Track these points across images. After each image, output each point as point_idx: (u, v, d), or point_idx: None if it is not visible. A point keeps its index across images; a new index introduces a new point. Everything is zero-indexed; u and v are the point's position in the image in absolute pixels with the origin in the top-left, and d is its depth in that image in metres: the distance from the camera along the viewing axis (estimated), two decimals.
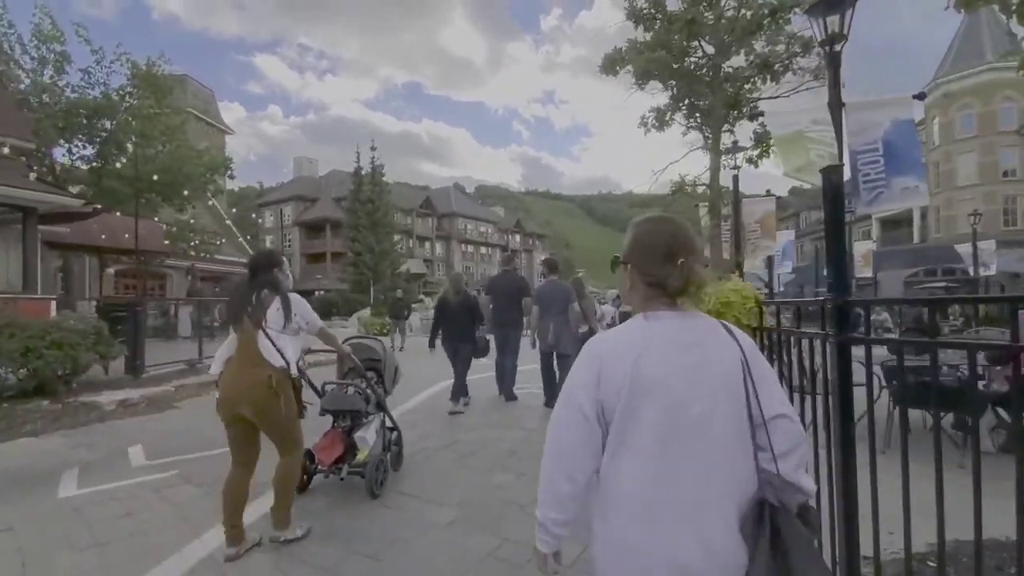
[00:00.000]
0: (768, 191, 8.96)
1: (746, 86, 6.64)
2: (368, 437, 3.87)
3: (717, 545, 1.16)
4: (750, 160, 6.80)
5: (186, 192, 17.19)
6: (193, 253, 19.83)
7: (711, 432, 1.19)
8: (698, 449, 1.19)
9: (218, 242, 23.01)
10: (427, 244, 58.60)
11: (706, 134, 6.86)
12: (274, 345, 2.98)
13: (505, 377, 7.09)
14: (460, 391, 6.62)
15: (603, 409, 1.23)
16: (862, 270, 15.34)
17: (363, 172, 27.50)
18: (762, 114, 6.74)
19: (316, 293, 32.29)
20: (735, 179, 8.10)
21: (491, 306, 6.92)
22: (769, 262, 10.63)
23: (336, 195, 46.74)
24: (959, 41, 32.56)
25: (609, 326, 7.30)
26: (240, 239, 31.91)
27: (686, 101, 6.85)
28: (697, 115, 6.82)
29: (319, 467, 3.78)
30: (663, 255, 1.28)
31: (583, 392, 1.24)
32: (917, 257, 28.15)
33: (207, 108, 34.49)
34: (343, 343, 4.04)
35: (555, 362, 6.58)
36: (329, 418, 3.98)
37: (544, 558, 1.30)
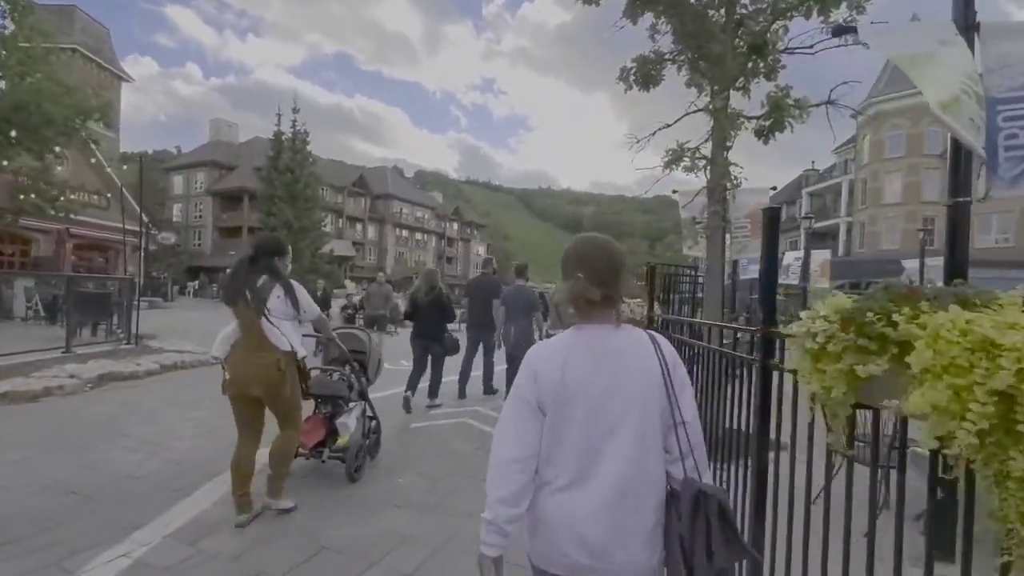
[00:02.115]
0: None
1: (775, 25, 4.94)
2: (349, 423, 3.94)
3: (628, 529, 1.34)
4: (760, 133, 5.16)
5: (50, 136, 13.90)
6: (53, 212, 16.26)
7: (623, 433, 1.36)
8: (612, 446, 1.36)
9: (94, 199, 19.27)
10: (358, 226, 55.03)
11: (713, 89, 5.16)
12: (278, 330, 3.15)
13: (475, 375, 7.14)
14: (436, 388, 6.58)
15: (540, 407, 1.40)
16: (818, 280, 14.87)
17: (284, 137, 24.31)
18: (784, 68, 5.11)
19: (228, 271, 28.58)
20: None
21: (468, 307, 7.15)
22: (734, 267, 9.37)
23: (258, 164, 42.28)
24: (891, 63, 33.71)
25: None
26: (134, 203, 27.68)
27: (688, 47, 5.05)
28: (701, 64, 5.07)
29: (300, 450, 3.77)
30: (600, 272, 1.43)
31: (526, 390, 1.42)
32: (858, 269, 28.73)
33: (99, 48, 29.65)
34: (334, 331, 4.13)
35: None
36: (309, 404, 3.93)
37: (489, 564, 1.37)
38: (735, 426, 2.45)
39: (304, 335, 3.58)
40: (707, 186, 5.33)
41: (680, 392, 1.40)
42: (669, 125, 5.62)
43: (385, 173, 62.26)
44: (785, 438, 1.88)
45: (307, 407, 3.89)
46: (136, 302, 9.88)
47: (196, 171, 48.91)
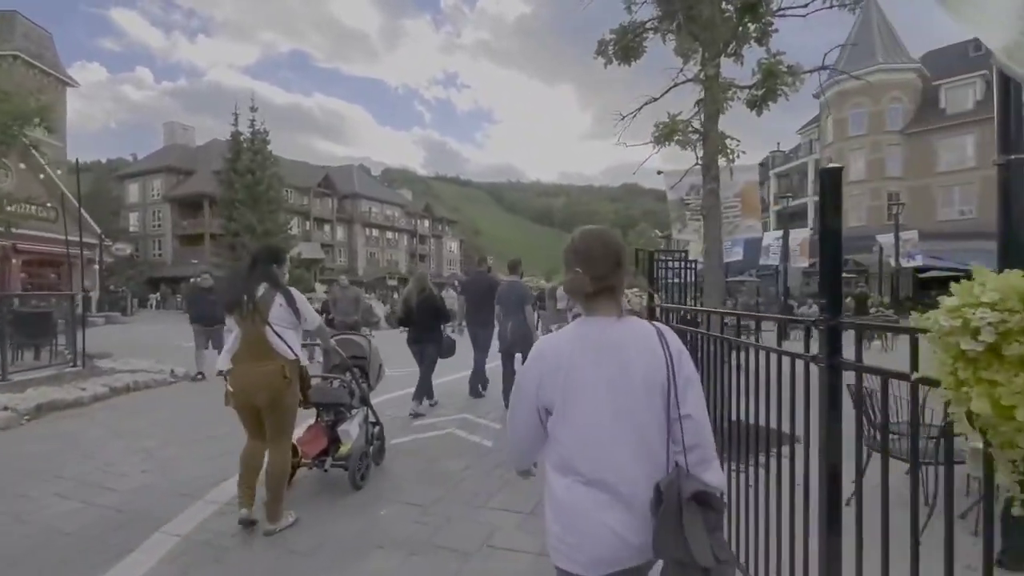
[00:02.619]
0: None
1: None
2: (351, 431, 3.91)
3: (637, 518, 1.35)
4: (753, 103, 4.77)
5: None
6: None
7: (629, 423, 1.37)
8: (622, 436, 1.37)
9: (41, 211, 17.97)
10: (327, 227, 53.58)
11: (704, 56, 4.74)
12: (281, 339, 3.14)
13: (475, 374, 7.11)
14: (424, 391, 6.37)
15: (545, 399, 1.44)
16: (797, 259, 14.76)
17: (242, 138, 23.09)
18: (776, 32, 4.73)
19: (191, 280, 27.33)
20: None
21: (466, 306, 7.14)
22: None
23: (217, 168, 40.52)
24: (852, 41, 34.16)
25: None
26: (85, 213, 26.14)
27: (677, 10, 4.62)
28: (692, 28, 4.64)
29: (303, 459, 3.74)
30: (598, 265, 1.43)
31: (530, 385, 1.46)
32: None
33: (42, 53, 27.83)
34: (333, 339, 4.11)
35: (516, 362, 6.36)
36: (311, 412, 3.98)
37: (523, 473, 1.67)
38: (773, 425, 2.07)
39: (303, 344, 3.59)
40: (701, 162, 4.91)
41: (685, 385, 1.40)
42: (656, 99, 5.20)
43: (351, 172, 60.68)
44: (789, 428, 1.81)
45: (308, 415, 3.96)
46: (83, 319, 9.03)
47: (152, 178, 46.81)
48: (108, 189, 50.09)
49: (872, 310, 15.87)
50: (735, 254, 15.66)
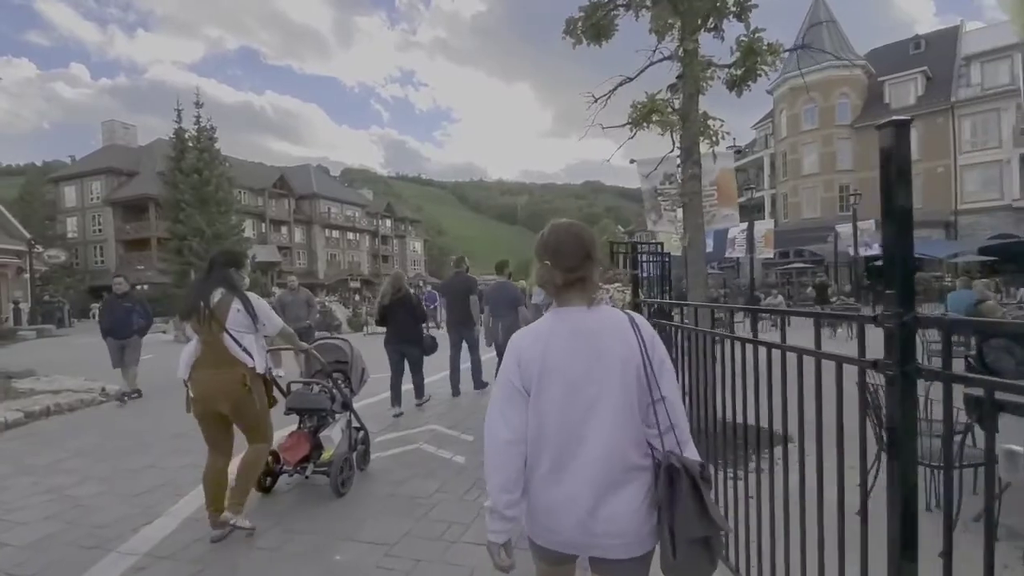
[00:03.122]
0: (733, 144, 7.00)
1: None
2: (333, 436, 3.87)
3: (614, 503, 1.38)
4: (733, 83, 4.45)
5: None
6: None
7: (604, 410, 1.39)
8: (594, 424, 1.39)
9: None
10: (284, 229, 51.66)
11: (682, 31, 4.38)
12: (239, 345, 3.08)
13: (468, 373, 7.12)
14: (418, 391, 6.45)
15: (524, 388, 1.44)
16: (762, 250, 14.83)
17: (187, 135, 21.67)
18: (755, 6, 4.41)
19: (137, 287, 25.62)
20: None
21: (446, 306, 7.15)
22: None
23: (161, 168, 38.46)
24: (803, 39, 35.08)
25: None
26: (12, 220, 24.14)
27: None
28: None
29: (284, 467, 3.74)
30: (567, 257, 1.45)
31: (512, 375, 1.45)
32: (795, 238, 29.63)
33: None
34: (311, 345, 4.18)
35: None
36: (295, 418, 3.99)
37: (497, 550, 1.43)
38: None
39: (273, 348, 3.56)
40: (680, 147, 4.56)
41: (659, 369, 1.43)
42: (631, 79, 4.81)
43: (308, 172, 58.71)
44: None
45: (283, 421, 3.89)
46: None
47: (91, 180, 43.94)
48: (42, 193, 46.94)
49: (833, 299, 16.12)
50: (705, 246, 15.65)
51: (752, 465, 2.30)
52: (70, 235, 43.20)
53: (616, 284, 3.99)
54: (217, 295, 3.11)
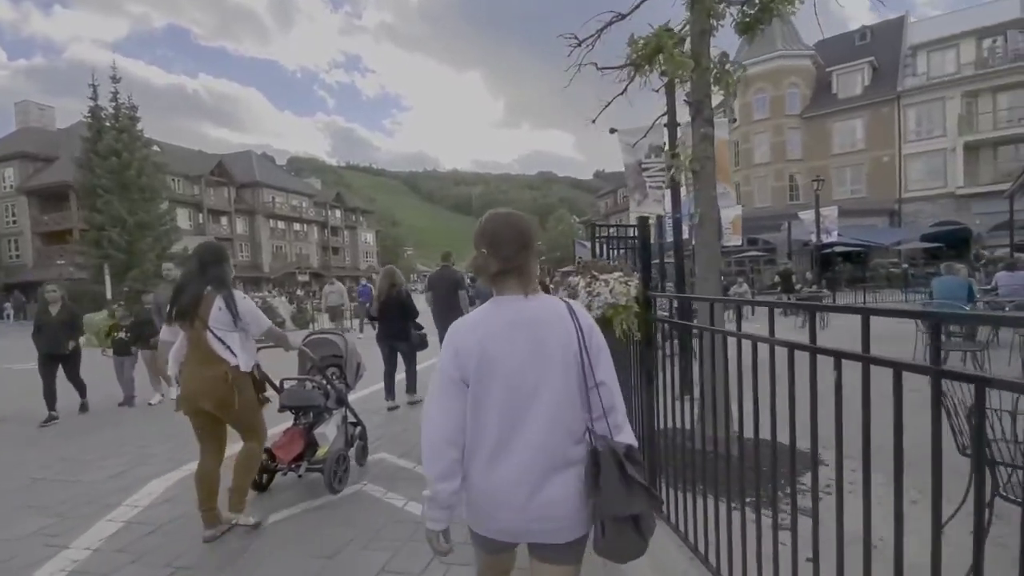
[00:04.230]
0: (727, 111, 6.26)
1: None
2: (328, 433, 3.87)
3: (552, 490, 1.40)
4: (745, 25, 3.62)
5: None
6: None
7: (543, 397, 1.41)
8: (533, 411, 1.41)
9: None
10: (224, 219, 48.50)
11: None
12: (222, 343, 3.08)
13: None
14: (411, 386, 6.53)
15: (462, 378, 1.42)
16: (730, 238, 14.47)
17: (103, 113, 19.29)
18: None
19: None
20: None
21: (433, 303, 7.11)
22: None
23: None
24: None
25: None
26: None
27: None
28: None
29: (279, 465, 3.73)
30: (506, 245, 1.45)
31: (449, 366, 1.44)
32: (755, 225, 29.69)
33: None
34: (304, 340, 4.11)
35: None
36: (289, 416, 3.99)
37: (436, 536, 1.46)
38: None
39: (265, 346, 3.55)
40: (689, 99, 3.69)
41: (596, 355, 1.46)
42: (624, 16, 3.90)
43: (249, 159, 55.33)
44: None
45: (276, 419, 3.92)
46: None
47: (2, 167, 39.72)
48: None
49: (798, 287, 15.95)
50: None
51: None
52: None
53: (616, 274, 3.07)
54: (204, 292, 3.09)
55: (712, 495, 2.15)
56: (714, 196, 3.69)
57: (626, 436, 1.47)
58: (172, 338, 3.24)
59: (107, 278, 18.35)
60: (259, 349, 3.48)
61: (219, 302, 3.08)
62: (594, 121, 4.55)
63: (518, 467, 1.38)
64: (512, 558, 1.59)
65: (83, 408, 6.80)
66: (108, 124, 19.62)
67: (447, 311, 6.74)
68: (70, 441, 5.51)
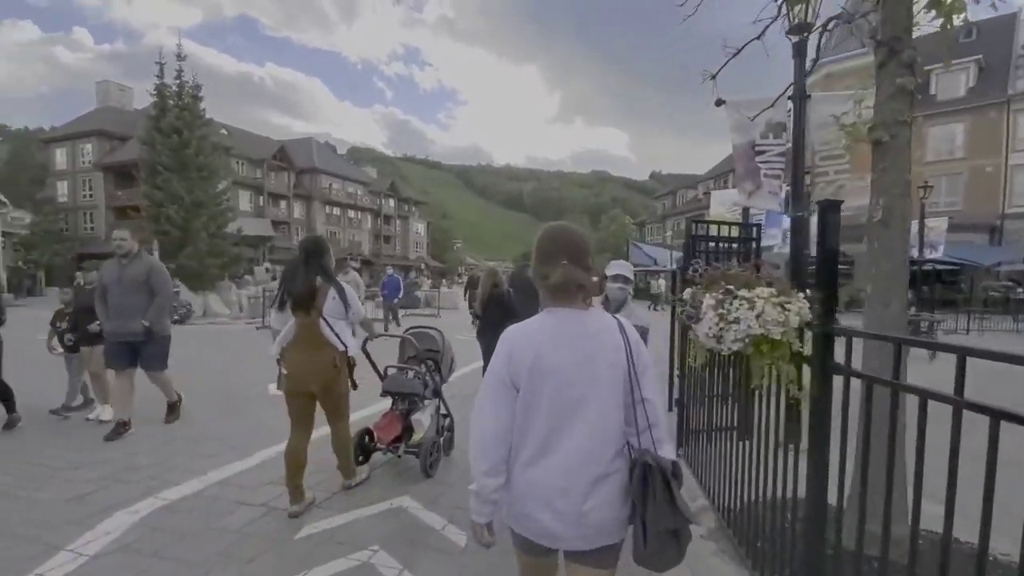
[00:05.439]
0: None
1: None
2: (424, 420, 4.05)
3: (591, 496, 1.45)
4: None
5: None
6: None
7: (588, 408, 1.47)
8: (577, 420, 1.46)
9: None
10: (283, 203, 49.56)
11: None
12: (332, 330, 3.34)
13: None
14: None
15: (513, 382, 1.49)
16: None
17: (168, 91, 19.47)
18: None
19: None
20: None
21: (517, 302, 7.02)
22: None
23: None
24: (839, 28, 32.44)
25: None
26: None
27: None
28: None
29: (378, 445, 3.97)
30: (553, 259, 1.52)
31: (501, 369, 1.50)
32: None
33: None
34: (406, 331, 4.44)
35: None
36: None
37: (480, 529, 1.54)
38: None
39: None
40: (877, 38, 2.49)
41: (643, 372, 1.51)
42: None
43: (310, 145, 56.38)
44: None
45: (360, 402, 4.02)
46: None
47: (82, 142, 41.92)
48: (31, 154, 44.86)
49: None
50: (771, 237, 13.44)
51: None
52: (61, 199, 41.32)
53: (765, 290, 1.90)
54: (317, 283, 3.31)
55: None
56: (908, 181, 2.46)
57: (668, 451, 1.52)
58: (281, 325, 3.39)
59: (155, 254, 18.48)
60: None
61: (332, 292, 3.34)
62: (714, 77, 3.39)
63: (559, 473, 1.45)
64: (554, 567, 1.64)
65: (8, 424, 5.00)
66: (171, 102, 19.73)
67: (530, 312, 5.89)
68: None
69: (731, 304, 2.31)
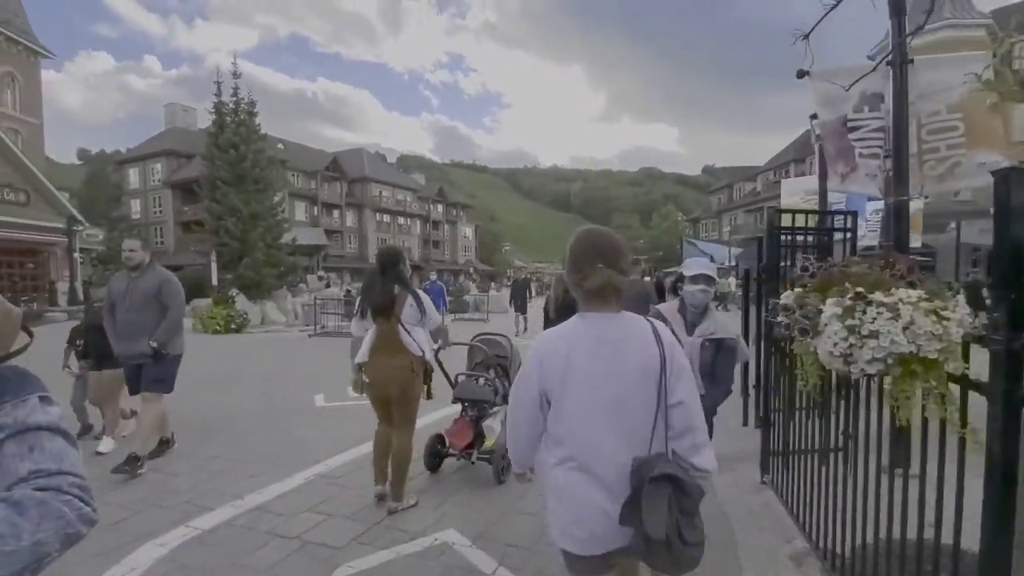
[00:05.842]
0: None
1: None
2: (495, 426, 4.10)
3: (620, 492, 1.46)
4: None
5: None
6: None
7: (622, 411, 1.49)
8: (610, 423, 1.48)
9: (5, 194, 15.45)
10: (336, 212, 50.98)
11: None
12: (410, 336, 3.48)
13: None
14: None
15: (546, 388, 1.52)
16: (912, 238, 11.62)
17: (226, 108, 20.23)
18: None
19: (185, 268, 24.82)
20: None
21: None
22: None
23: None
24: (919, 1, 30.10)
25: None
26: (61, 197, 23.71)
27: None
28: None
29: (451, 450, 4.09)
30: (586, 263, 1.52)
31: (534, 373, 1.54)
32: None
33: (9, 19, 25.39)
34: (474, 338, 4.47)
35: None
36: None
37: (522, 475, 1.80)
38: None
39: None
40: None
41: (677, 375, 1.50)
42: None
43: (361, 156, 57.84)
44: None
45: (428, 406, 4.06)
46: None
47: (152, 162, 44.69)
48: (107, 175, 48.09)
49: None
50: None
51: None
52: (134, 216, 44.06)
53: (913, 293, 1.35)
54: (395, 292, 3.45)
55: None
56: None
57: (699, 459, 1.51)
58: (361, 332, 3.56)
59: (213, 265, 19.06)
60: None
61: (410, 300, 3.47)
62: (806, 36, 2.85)
63: (594, 474, 1.47)
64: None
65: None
66: (229, 119, 20.45)
67: None
68: None
69: (865, 313, 1.78)
